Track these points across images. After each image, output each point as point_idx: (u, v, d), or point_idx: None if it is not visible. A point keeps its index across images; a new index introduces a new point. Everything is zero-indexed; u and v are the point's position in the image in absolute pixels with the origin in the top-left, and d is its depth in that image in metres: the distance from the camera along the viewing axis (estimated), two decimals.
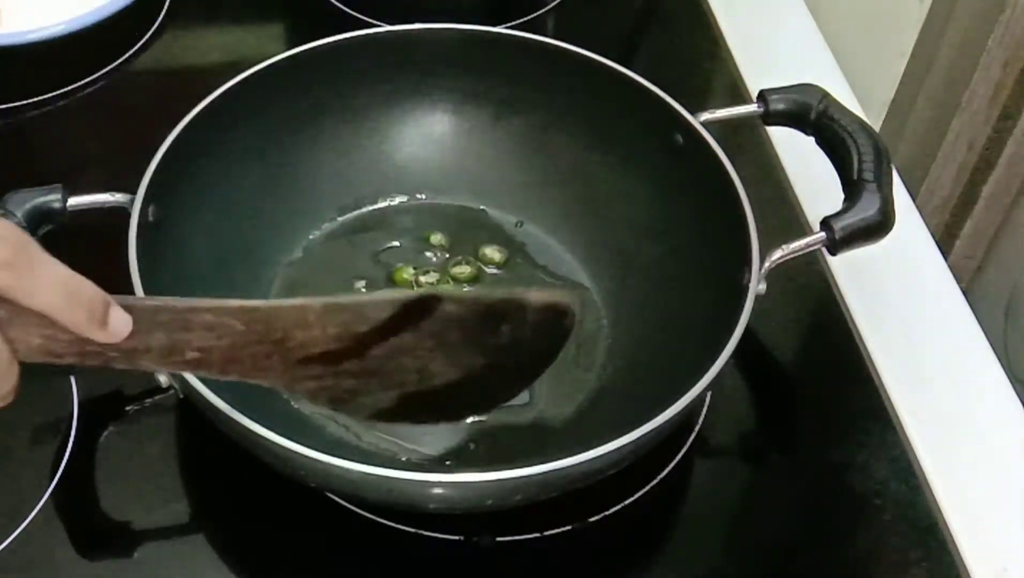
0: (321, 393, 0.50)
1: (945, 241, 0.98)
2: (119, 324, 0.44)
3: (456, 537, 0.60)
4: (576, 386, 0.66)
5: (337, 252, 0.72)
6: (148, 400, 0.64)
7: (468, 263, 0.71)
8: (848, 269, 0.74)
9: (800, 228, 0.77)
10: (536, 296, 0.51)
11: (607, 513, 0.62)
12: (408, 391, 0.51)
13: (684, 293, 0.66)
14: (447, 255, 0.72)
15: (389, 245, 0.72)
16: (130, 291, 0.57)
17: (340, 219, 0.73)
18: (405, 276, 0.70)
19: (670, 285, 0.68)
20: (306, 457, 0.52)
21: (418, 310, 0.49)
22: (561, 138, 0.74)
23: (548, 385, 0.66)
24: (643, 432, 0.54)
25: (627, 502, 0.62)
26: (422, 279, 0.70)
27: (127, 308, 0.45)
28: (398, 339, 0.49)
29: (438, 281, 0.70)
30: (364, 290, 0.69)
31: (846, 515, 0.64)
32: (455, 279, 0.70)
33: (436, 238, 0.72)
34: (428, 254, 0.72)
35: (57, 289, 0.43)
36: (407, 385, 0.51)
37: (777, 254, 0.62)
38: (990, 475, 0.66)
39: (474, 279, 0.70)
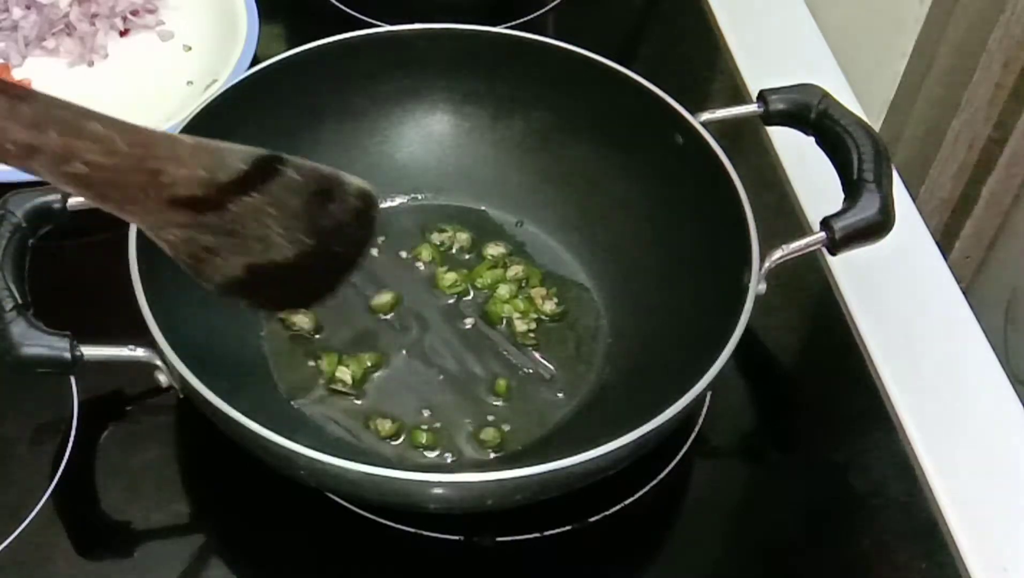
0: (182, 246, 0.54)
1: (945, 241, 0.98)
2: None
3: (456, 537, 0.60)
4: (576, 386, 0.66)
5: None
6: (148, 400, 0.64)
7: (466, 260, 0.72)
8: (848, 269, 0.74)
9: (800, 228, 0.77)
10: (350, 178, 0.57)
11: (607, 513, 0.62)
12: (253, 261, 0.55)
13: (684, 293, 0.66)
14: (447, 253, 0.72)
15: (389, 245, 0.73)
16: (132, 297, 0.57)
17: None
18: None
19: (670, 285, 0.68)
20: (306, 457, 0.52)
21: (266, 169, 0.54)
22: (561, 138, 0.74)
23: (547, 385, 0.66)
24: (643, 432, 0.54)
25: (627, 502, 0.62)
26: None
27: (28, 97, 0.46)
28: (250, 198, 0.53)
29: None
30: (369, 295, 0.70)
31: (846, 515, 0.64)
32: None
33: (438, 237, 0.73)
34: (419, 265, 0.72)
35: None
36: (252, 254, 0.55)
37: (777, 254, 0.62)
38: (990, 475, 0.66)
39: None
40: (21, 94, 0.46)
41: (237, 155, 0.53)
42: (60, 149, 0.47)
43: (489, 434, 0.63)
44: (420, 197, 0.75)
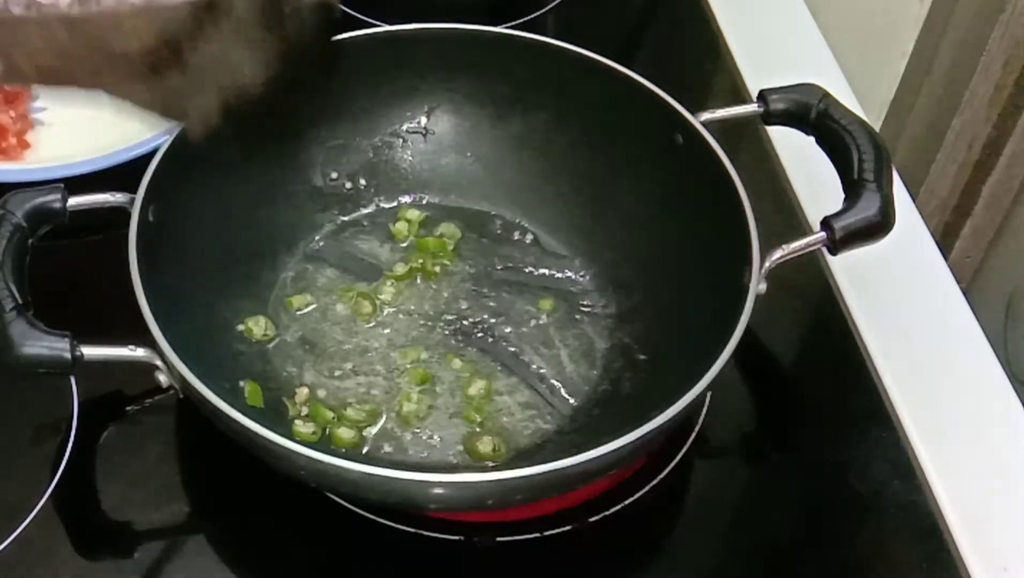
0: (153, 99, 0.55)
1: (945, 241, 0.99)
2: None
3: (456, 537, 0.60)
4: (576, 386, 0.66)
5: (337, 252, 0.72)
6: (148, 400, 0.64)
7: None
8: (848, 269, 0.74)
9: (800, 228, 0.77)
10: None
11: (607, 513, 0.62)
12: (225, 93, 0.55)
13: (684, 293, 0.66)
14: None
15: (389, 245, 0.73)
16: (132, 297, 0.57)
17: (341, 219, 0.73)
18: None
19: (670, 285, 0.68)
20: (306, 457, 0.52)
21: (210, 4, 0.54)
22: (561, 138, 0.74)
23: (549, 385, 0.66)
24: (643, 432, 0.54)
25: (627, 502, 0.62)
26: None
27: None
28: (205, 29, 0.53)
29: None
30: (364, 287, 0.70)
31: (846, 515, 0.64)
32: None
33: (442, 228, 0.73)
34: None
35: None
36: (224, 86, 0.55)
37: (777, 254, 0.62)
38: (990, 475, 0.66)
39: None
40: None
41: (179, 6, 0.53)
42: (8, 69, 0.53)
43: (489, 434, 0.63)
44: (420, 197, 0.75)
